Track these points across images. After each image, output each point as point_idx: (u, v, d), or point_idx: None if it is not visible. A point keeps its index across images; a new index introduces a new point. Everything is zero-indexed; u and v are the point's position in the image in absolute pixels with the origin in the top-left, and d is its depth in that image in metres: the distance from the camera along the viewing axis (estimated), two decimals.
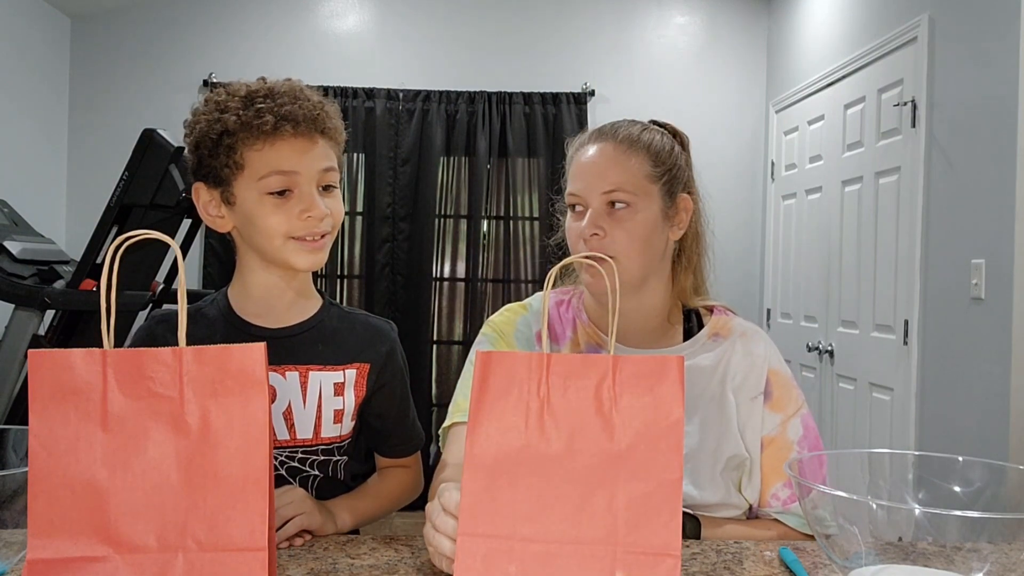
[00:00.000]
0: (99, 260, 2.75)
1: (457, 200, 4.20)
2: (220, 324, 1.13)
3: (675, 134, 1.24)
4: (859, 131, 3.21)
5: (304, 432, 1.12)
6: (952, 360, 2.59)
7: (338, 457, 1.16)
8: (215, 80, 4.09)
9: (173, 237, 2.85)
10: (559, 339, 1.23)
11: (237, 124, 1.04)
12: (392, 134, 4.12)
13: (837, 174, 3.38)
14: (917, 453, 0.98)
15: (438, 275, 4.20)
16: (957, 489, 0.90)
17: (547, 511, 0.75)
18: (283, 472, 1.13)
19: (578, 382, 0.77)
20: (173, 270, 3.32)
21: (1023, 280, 2.28)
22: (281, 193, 1.05)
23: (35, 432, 0.70)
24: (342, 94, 4.09)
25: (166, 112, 4.03)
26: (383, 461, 1.26)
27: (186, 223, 3.08)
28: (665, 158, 1.17)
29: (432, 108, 4.12)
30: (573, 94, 4.14)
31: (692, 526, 1.11)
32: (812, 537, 1.09)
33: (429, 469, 1.20)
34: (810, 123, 3.68)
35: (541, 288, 0.88)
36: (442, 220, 4.20)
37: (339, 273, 4.18)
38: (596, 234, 1.13)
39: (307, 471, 1.14)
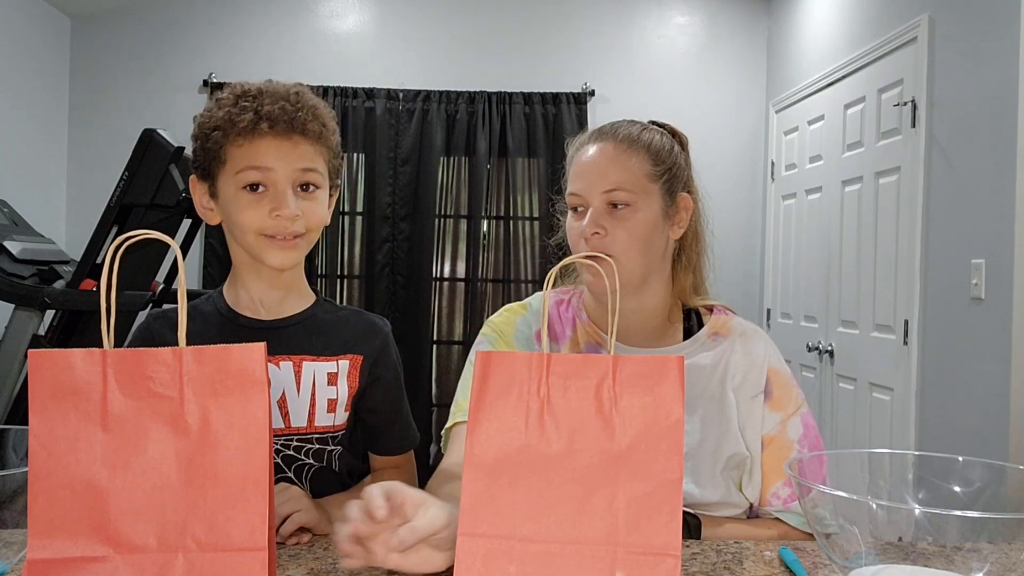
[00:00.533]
0: (99, 260, 2.75)
1: (457, 200, 4.20)
2: (215, 319, 1.16)
3: (674, 134, 1.24)
4: (859, 131, 3.21)
5: (298, 420, 1.15)
6: (952, 360, 2.59)
7: (333, 447, 1.18)
8: (215, 80, 4.09)
9: (173, 237, 2.85)
10: (559, 338, 1.23)
11: (223, 120, 1.07)
12: (392, 134, 4.12)
13: (837, 174, 3.38)
14: (917, 453, 0.98)
15: (438, 275, 4.20)
16: (957, 489, 0.90)
17: (547, 511, 0.75)
18: (279, 460, 1.15)
19: (578, 382, 0.77)
20: (173, 270, 3.32)
21: (1023, 280, 2.28)
22: (255, 189, 1.08)
23: (35, 432, 0.70)
24: (342, 94, 4.09)
25: (166, 112, 4.04)
26: (377, 461, 1.27)
27: (186, 223, 3.08)
28: (665, 157, 1.18)
29: (432, 108, 4.12)
30: (573, 94, 4.14)
31: (692, 525, 1.11)
32: (812, 536, 1.09)
33: (429, 470, 1.20)
34: (810, 123, 3.68)
35: (541, 288, 0.88)
36: (442, 220, 4.20)
37: (339, 273, 4.17)
38: (597, 233, 1.13)
39: (302, 459, 1.16)
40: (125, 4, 4.14)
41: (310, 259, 4.07)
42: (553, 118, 4.13)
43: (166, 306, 2.88)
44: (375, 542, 0.78)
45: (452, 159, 4.18)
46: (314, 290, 1.22)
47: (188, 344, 0.73)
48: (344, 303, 3.79)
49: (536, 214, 4.19)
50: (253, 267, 1.14)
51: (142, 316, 1.23)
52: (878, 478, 0.96)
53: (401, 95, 4.12)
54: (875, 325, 3.05)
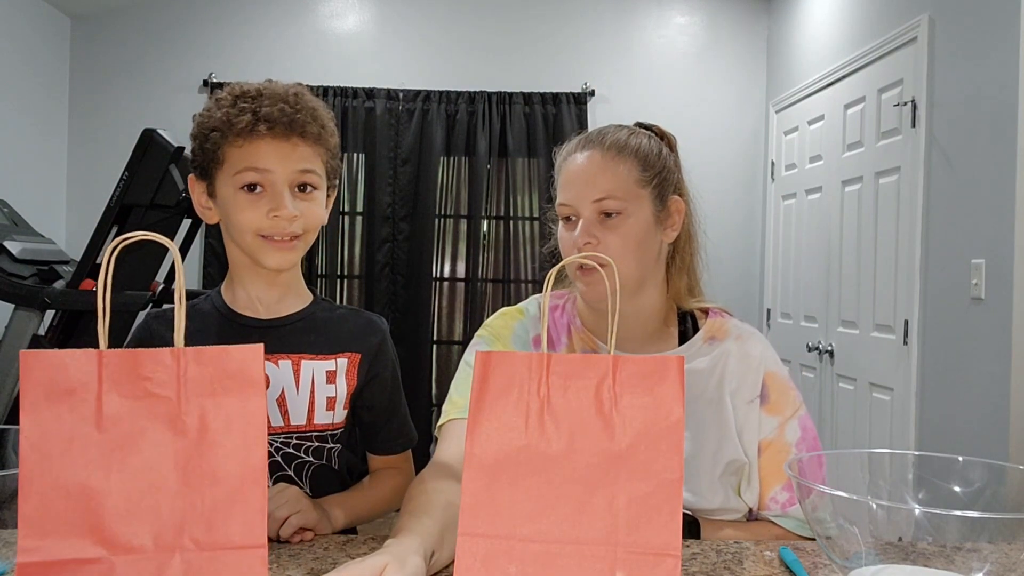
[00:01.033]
0: (99, 260, 2.75)
1: (457, 200, 4.20)
2: (213, 317, 1.16)
3: (662, 136, 1.23)
4: (859, 131, 3.20)
5: (298, 418, 1.15)
6: (952, 360, 2.59)
7: (332, 445, 1.19)
8: (215, 80, 4.09)
9: (173, 237, 2.85)
10: (555, 345, 1.23)
11: (221, 121, 1.08)
12: (392, 134, 4.12)
13: (837, 174, 3.38)
14: (917, 453, 0.98)
15: (438, 275, 4.20)
16: (957, 489, 0.90)
17: (547, 511, 0.75)
18: (279, 458, 1.15)
19: (578, 382, 0.77)
20: (173, 270, 3.32)
21: (1023, 280, 2.28)
22: (253, 189, 1.08)
23: (26, 434, 0.70)
24: (342, 94, 4.09)
25: (166, 112, 4.04)
26: (375, 461, 1.27)
27: (186, 223, 3.08)
28: (654, 162, 1.16)
29: (432, 108, 4.12)
30: (573, 94, 4.14)
31: (691, 528, 1.11)
32: (810, 540, 1.09)
33: None
34: (810, 123, 3.68)
35: (541, 288, 0.88)
36: (442, 220, 4.20)
37: (339, 273, 4.18)
38: (589, 243, 1.13)
39: (302, 457, 1.17)
40: (125, 4, 4.14)
41: (310, 259, 4.08)
42: (553, 118, 4.13)
43: (165, 306, 2.88)
44: None
45: (452, 159, 4.18)
46: (311, 289, 1.22)
47: (187, 344, 0.73)
48: (344, 303, 3.80)
49: (536, 214, 4.19)
50: (250, 267, 1.14)
51: (142, 316, 1.23)
52: (878, 478, 0.96)
53: (401, 95, 4.12)
54: (875, 325, 3.05)
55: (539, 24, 4.23)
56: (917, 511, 0.80)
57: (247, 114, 1.06)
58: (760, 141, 4.25)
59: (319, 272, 4.15)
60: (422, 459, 1.18)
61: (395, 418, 1.25)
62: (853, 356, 3.23)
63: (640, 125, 1.23)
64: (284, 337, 1.15)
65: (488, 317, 1.29)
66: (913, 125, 2.81)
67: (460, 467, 0.78)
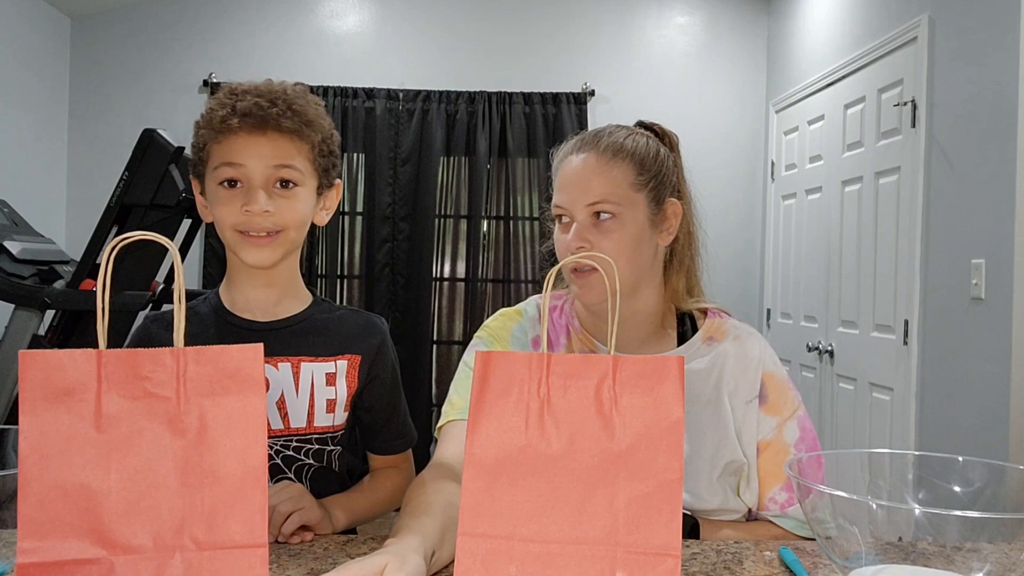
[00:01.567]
0: (99, 260, 2.75)
1: (457, 200, 4.20)
2: (212, 320, 1.16)
3: (663, 135, 1.22)
4: (859, 131, 3.20)
5: (298, 421, 1.15)
6: (952, 360, 2.59)
7: (332, 447, 1.18)
8: (215, 80, 4.09)
9: (173, 237, 2.85)
10: (554, 346, 1.22)
11: (205, 117, 1.09)
12: (392, 134, 4.12)
13: (837, 174, 3.38)
14: (917, 453, 0.98)
15: (438, 275, 4.20)
16: (957, 489, 0.90)
17: (547, 511, 0.75)
18: (279, 461, 1.15)
19: (578, 382, 0.77)
20: (173, 270, 3.32)
21: (1023, 280, 2.28)
22: (233, 185, 1.08)
23: (25, 434, 0.70)
24: (342, 94, 4.09)
25: (166, 112, 4.04)
26: (375, 461, 1.27)
27: (186, 223, 3.08)
28: (650, 164, 1.15)
29: (432, 108, 4.12)
30: (573, 94, 4.14)
31: (691, 529, 1.11)
32: (809, 540, 1.09)
33: None
34: (810, 123, 3.68)
35: (541, 288, 0.87)
36: (442, 220, 4.20)
37: (339, 273, 4.17)
38: (582, 246, 1.12)
39: (302, 459, 1.16)
40: (125, 4, 4.14)
41: (310, 259, 4.08)
42: (553, 118, 4.13)
43: (164, 307, 2.88)
44: None
45: (452, 159, 4.18)
46: (311, 291, 1.22)
47: (185, 346, 0.73)
48: (344, 303, 3.79)
49: (536, 214, 4.19)
50: (245, 268, 1.14)
51: (141, 318, 1.23)
52: (878, 478, 0.96)
53: (401, 95, 4.12)
54: (875, 325, 3.05)
55: (539, 24, 4.23)
56: (917, 511, 0.80)
57: (225, 108, 1.07)
58: (760, 141, 4.25)
59: (319, 272, 4.15)
60: (422, 459, 1.18)
61: (395, 418, 1.25)
62: (853, 356, 3.23)
63: (641, 124, 1.23)
64: (283, 339, 1.15)
65: (488, 317, 1.29)
66: (913, 125, 2.81)
67: (460, 467, 0.78)
